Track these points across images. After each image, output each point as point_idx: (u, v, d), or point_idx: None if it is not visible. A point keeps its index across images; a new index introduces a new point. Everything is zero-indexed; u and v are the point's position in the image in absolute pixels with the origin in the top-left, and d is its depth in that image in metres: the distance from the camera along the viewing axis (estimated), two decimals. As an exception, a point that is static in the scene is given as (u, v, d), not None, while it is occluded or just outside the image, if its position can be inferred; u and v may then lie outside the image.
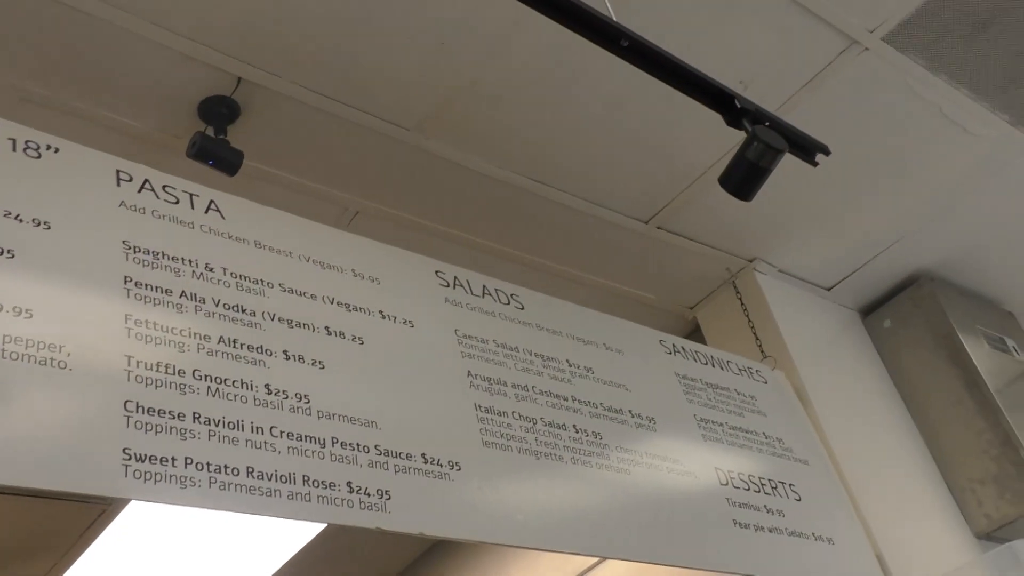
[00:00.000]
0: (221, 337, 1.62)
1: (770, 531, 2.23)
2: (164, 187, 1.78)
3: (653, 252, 2.90)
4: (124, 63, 2.04)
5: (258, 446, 1.52)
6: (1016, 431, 2.79)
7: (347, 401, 1.70)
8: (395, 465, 1.66)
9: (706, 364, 2.59)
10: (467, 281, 2.19)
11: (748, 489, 2.28)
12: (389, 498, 1.61)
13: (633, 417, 2.20)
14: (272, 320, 1.73)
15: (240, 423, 1.52)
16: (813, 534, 2.33)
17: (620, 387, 2.24)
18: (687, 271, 3.01)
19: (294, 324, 1.76)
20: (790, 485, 2.40)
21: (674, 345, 2.56)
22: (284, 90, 2.18)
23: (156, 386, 1.48)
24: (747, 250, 2.99)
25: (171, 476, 1.39)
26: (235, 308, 1.69)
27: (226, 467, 1.45)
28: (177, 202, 1.78)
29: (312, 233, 1.99)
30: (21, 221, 1.51)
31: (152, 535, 2.94)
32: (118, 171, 1.73)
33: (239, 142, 2.16)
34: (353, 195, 2.51)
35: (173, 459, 1.40)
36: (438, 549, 4.15)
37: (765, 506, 2.27)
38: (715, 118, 1.99)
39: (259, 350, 1.66)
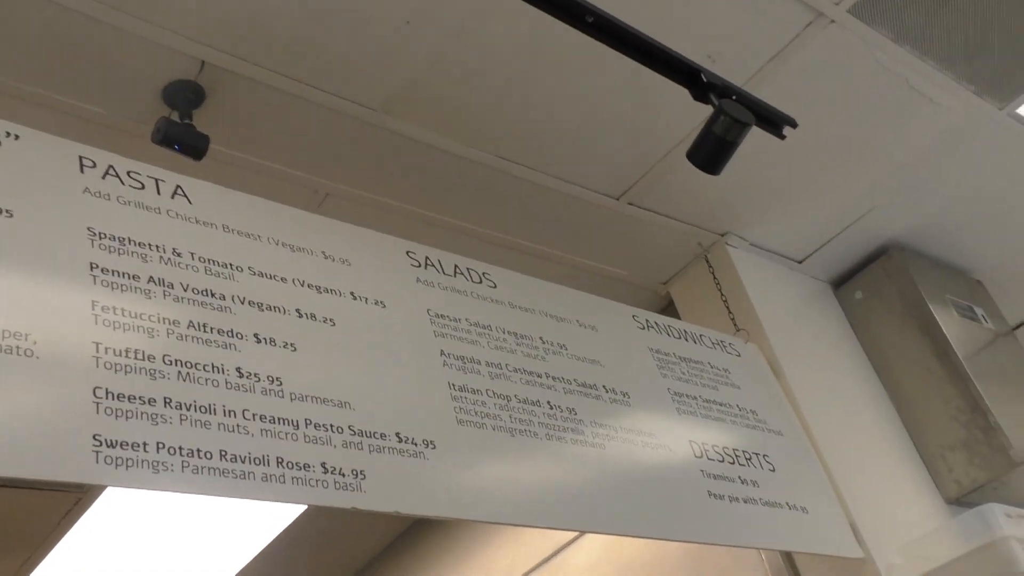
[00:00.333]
0: (191, 322, 1.62)
1: (745, 502, 2.25)
2: (129, 173, 1.76)
3: (625, 228, 2.91)
4: (84, 48, 2.01)
5: (230, 429, 1.51)
6: (985, 398, 2.83)
7: (320, 383, 1.70)
8: (369, 445, 1.66)
9: (679, 338, 2.60)
10: (438, 261, 2.19)
11: (722, 461, 2.30)
12: (364, 478, 1.62)
13: (607, 392, 2.21)
14: (242, 304, 1.72)
15: (212, 407, 1.52)
16: (787, 503, 2.35)
17: (594, 363, 2.25)
18: (659, 247, 3.02)
19: (264, 307, 1.76)
20: (764, 456, 2.43)
21: (647, 320, 2.57)
22: (249, 73, 2.16)
23: (126, 372, 1.47)
24: (719, 224, 3.00)
25: (143, 461, 1.38)
26: (204, 292, 1.68)
27: (199, 451, 1.45)
28: (143, 188, 1.77)
29: (281, 216, 1.98)
30: (-17, 209, 1.50)
31: (128, 524, 2.94)
32: (81, 157, 1.71)
33: (205, 126, 2.14)
34: (322, 178, 2.50)
35: (145, 444, 1.40)
36: (416, 530, 4.17)
37: (739, 477, 2.29)
38: (684, 93, 1.99)
39: (229, 334, 1.65)
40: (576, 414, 2.08)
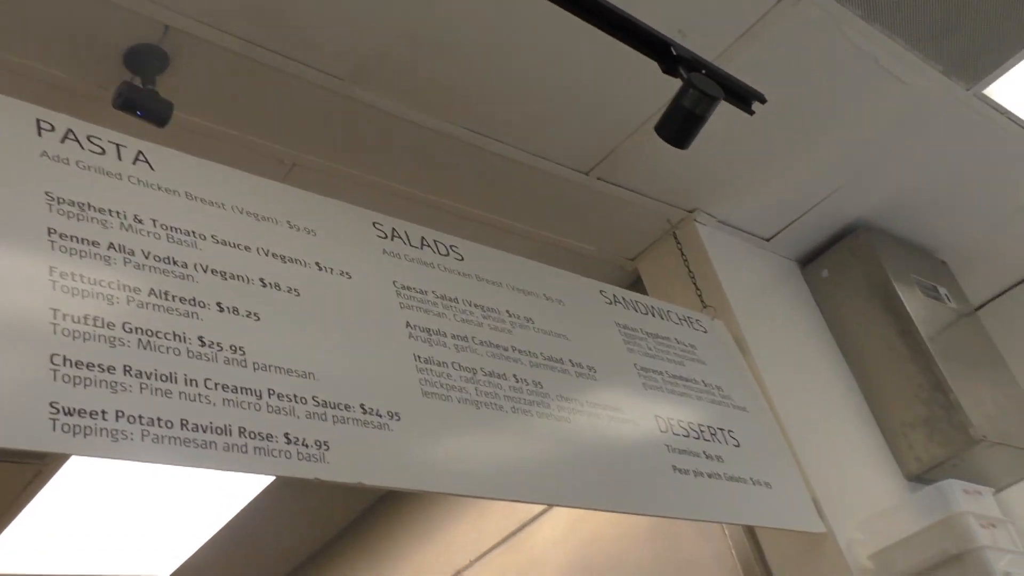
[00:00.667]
0: (152, 289, 1.59)
1: (709, 476, 2.26)
2: (89, 137, 1.73)
3: (594, 203, 2.90)
4: (44, 9, 1.97)
5: (192, 398, 1.49)
6: (946, 376, 2.86)
7: (283, 353, 1.68)
8: (333, 416, 1.65)
9: (646, 314, 2.61)
10: (405, 233, 2.17)
11: (687, 436, 2.31)
12: (328, 449, 1.60)
13: (574, 366, 2.21)
14: (205, 272, 1.70)
15: (173, 375, 1.50)
16: (751, 479, 2.37)
17: (560, 337, 2.25)
18: (628, 222, 3.02)
19: (228, 276, 1.73)
20: (729, 432, 2.44)
21: (615, 295, 2.57)
22: (215, 39, 2.12)
23: (84, 339, 1.45)
24: (687, 201, 3.00)
25: (101, 430, 1.36)
26: (166, 260, 1.66)
27: (159, 420, 1.43)
28: (103, 153, 1.74)
29: (246, 184, 1.96)
30: (-64, 172, 1.46)
31: (89, 496, 2.91)
32: (39, 120, 1.67)
33: (169, 93, 2.10)
34: (289, 148, 2.47)
35: (104, 412, 1.38)
36: (380, 507, 4.17)
37: (704, 452, 2.31)
38: (655, 68, 1.98)
39: (192, 302, 1.63)
40: (542, 387, 2.08)
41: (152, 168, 1.79)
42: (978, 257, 3.52)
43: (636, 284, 3.15)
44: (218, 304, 1.66)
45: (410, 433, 1.75)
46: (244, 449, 1.50)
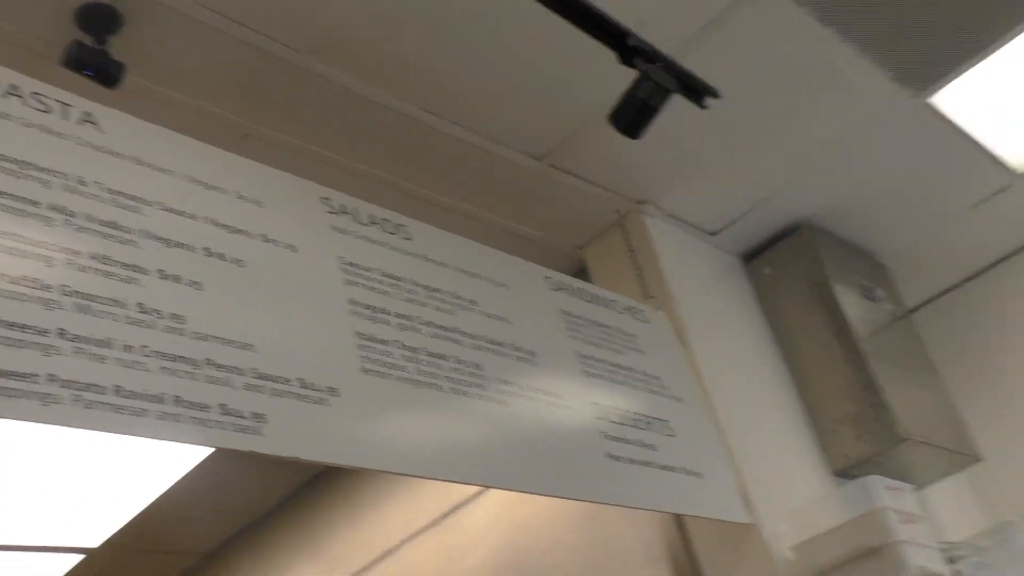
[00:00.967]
0: (92, 253, 1.57)
1: (642, 464, 2.30)
2: (34, 94, 1.69)
3: (544, 190, 2.91)
4: (-7, -39, 1.93)
5: (128, 365, 1.48)
6: (878, 376, 2.93)
7: (223, 323, 1.67)
8: (271, 388, 1.65)
9: (590, 302, 2.63)
10: (355, 209, 2.16)
11: (623, 424, 2.35)
12: (264, 422, 1.60)
13: (514, 351, 2.23)
14: (148, 238, 1.68)
15: (109, 341, 1.48)
16: (683, 468, 2.41)
17: (503, 320, 2.27)
18: (578, 211, 3.04)
19: (172, 244, 1.72)
20: (664, 421, 2.48)
21: (560, 282, 2.59)
22: (171, 3, 2.09)
23: (20, 301, 1.43)
24: (637, 192, 3.03)
25: (32, 393, 1.35)
26: (109, 224, 1.64)
27: (92, 385, 1.42)
28: (48, 111, 1.71)
29: (196, 153, 1.93)
30: None
31: (17, 464, 2.85)
32: (-18, 74, 1.64)
33: (122, 54, 2.06)
34: (242, 118, 2.44)
35: (35, 376, 1.36)
36: (314, 484, 4.15)
37: (639, 440, 2.34)
38: (612, 58, 2.00)
39: (133, 268, 1.61)
40: (482, 370, 2.09)
41: (101, 130, 1.76)
42: (916, 261, 3.60)
43: (582, 272, 3.17)
44: (160, 271, 1.65)
45: (348, 409, 1.76)
46: (178, 418, 1.49)
